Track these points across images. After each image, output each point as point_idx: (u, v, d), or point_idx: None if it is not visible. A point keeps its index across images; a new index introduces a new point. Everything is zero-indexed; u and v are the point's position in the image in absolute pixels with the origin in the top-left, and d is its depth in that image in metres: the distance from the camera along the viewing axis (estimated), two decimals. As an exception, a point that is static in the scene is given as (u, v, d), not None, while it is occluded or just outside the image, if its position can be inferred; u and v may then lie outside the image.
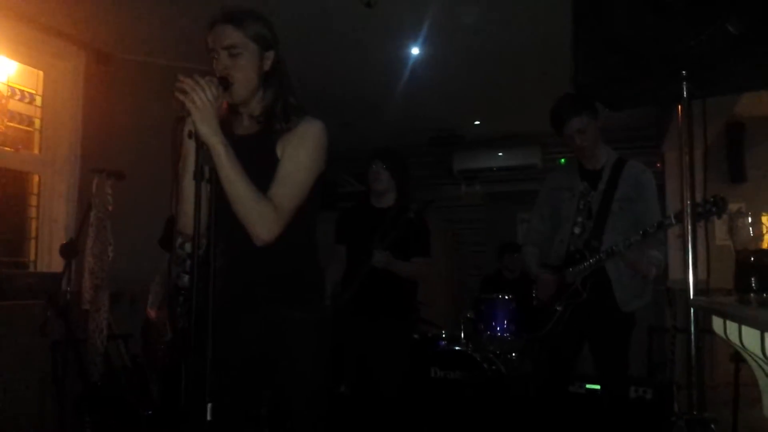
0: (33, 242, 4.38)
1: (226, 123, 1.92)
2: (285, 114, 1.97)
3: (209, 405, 1.59)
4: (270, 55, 1.96)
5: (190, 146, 1.74)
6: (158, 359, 3.54)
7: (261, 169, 1.90)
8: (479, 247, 7.54)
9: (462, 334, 4.86)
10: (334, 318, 3.50)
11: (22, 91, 4.31)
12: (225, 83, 1.83)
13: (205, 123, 1.70)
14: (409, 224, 3.44)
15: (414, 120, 6.37)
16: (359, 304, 3.46)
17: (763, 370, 1.49)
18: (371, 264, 3.38)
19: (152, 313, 3.56)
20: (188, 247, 3.39)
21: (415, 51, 4.63)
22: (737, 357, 3.73)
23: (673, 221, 2.75)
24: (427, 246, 3.61)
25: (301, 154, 1.94)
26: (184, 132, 1.73)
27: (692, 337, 2.13)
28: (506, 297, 4.90)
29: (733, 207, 2.63)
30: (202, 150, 1.70)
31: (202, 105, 1.70)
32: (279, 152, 1.94)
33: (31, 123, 4.37)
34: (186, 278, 3.45)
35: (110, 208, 3.82)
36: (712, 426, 2.17)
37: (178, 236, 3.44)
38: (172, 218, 3.54)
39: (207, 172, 1.69)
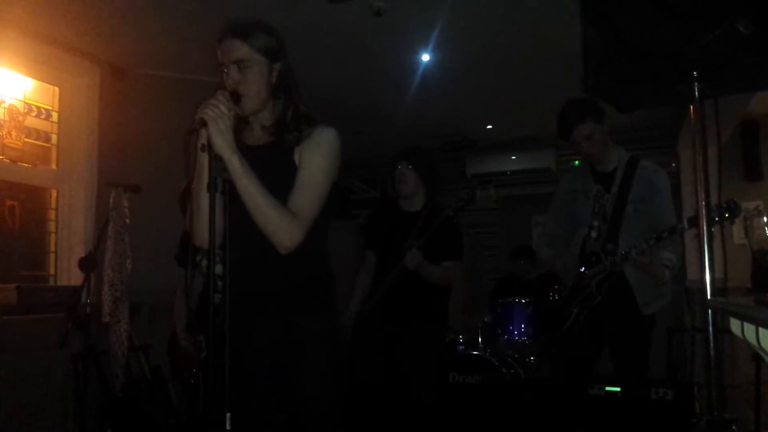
0: (52, 256, 4.44)
1: (237, 134, 1.93)
2: (296, 123, 1.98)
3: (228, 415, 1.60)
4: (278, 66, 1.97)
5: (204, 159, 1.76)
6: (191, 376, 3.53)
7: (280, 178, 1.91)
8: (494, 251, 7.53)
9: (479, 339, 4.85)
10: (361, 325, 3.48)
11: (38, 108, 4.38)
12: (236, 97, 1.85)
13: (219, 135, 1.73)
14: (445, 223, 3.35)
15: (426, 125, 6.38)
16: (388, 311, 3.38)
17: (782, 370, 1.48)
18: (403, 265, 3.27)
19: (183, 337, 3.56)
20: (217, 268, 3.41)
21: (425, 57, 4.64)
22: (758, 356, 3.70)
23: (686, 226, 2.73)
24: (460, 249, 3.51)
25: (317, 161, 1.95)
26: (197, 145, 1.76)
27: (711, 337, 2.11)
28: (523, 300, 4.89)
29: (749, 205, 2.62)
30: (216, 162, 1.72)
31: (217, 117, 1.73)
32: (296, 160, 1.96)
33: (48, 139, 4.44)
34: (218, 298, 3.45)
35: (127, 221, 3.87)
36: (734, 427, 2.16)
37: (197, 254, 3.48)
38: (186, 233, 3.58)
39: (221, 184, 1.71)
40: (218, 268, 3.50)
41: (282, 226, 1.84)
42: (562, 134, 3.09)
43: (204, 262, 3.51)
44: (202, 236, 1.84)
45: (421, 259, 3.27)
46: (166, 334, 3.73)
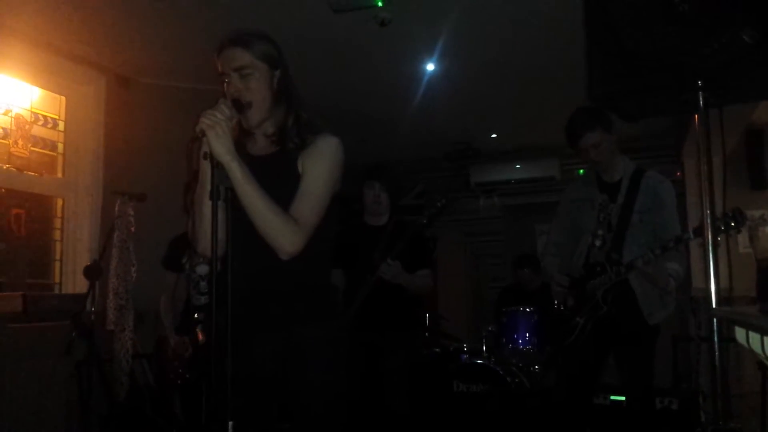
0: (58, 264, 4.45)
1: (240, 145, 1.93)
2: (298, 129, 2.00)
3: (230, 423, 1.60)
4: (278, 73, 1.99)
5: (206, 167, 1.77)
6: (177, 376, 3.57)
7: (284, 186, 1.91)
8: (498, 260, 7.52)
9: (484, 348, 4.84)
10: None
11: (45, 117, 4.40)
12: (238, 105, 1.86)
13: (218, 142, 1.72)
14: (416, 234, 3.43)
15: (430, 134, 6.39)
16: (365, 319, 3.42)
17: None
18: (378, 275, 3.34)
19: (173, 338, 3.60)
20: (200, 269, 3.46)
21: (430, 67, 4.66)
22: (764, 365, 3.68)
23: (692, 236, 2.73)
24: (431, 257, 3.66)
25: (319, 169, 1.95)
26: (199, 153, 1.76)
27: (716, 346, 2.11)
28: (528, 309, 4.87)
29: (754, 214, 2.62)
30: (218, 170, 1.72)
31: (215, 124, 1.72)
32: (299, 169, 1.96)
33: (54, 147, 4.46)
34: (202, 299, 3.50)
35: (132, 229, 3.88)
36: (739, 436, 2.15)
37: (190, 258, 3.54)
38: (177, 239, 3.65)
39: (223, 192, 1.71)
40: (203, 269, 3.56)
41: (283, 231, 1.84)
42: (570, 141, 3.10)
43: (189, 263, 3.56)
44: (204, 244, 1.85)
45: (399, 269, 3.35)
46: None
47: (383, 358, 3.43)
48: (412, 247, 3.43)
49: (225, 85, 1.94)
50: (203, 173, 1.82)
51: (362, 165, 3.57)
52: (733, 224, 2.58)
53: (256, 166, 1.85)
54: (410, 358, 3.60)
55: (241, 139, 1.98)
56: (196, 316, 3.49)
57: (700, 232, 2.65)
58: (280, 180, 1.93)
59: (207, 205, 1.73)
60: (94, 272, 3.62)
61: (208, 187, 1.72)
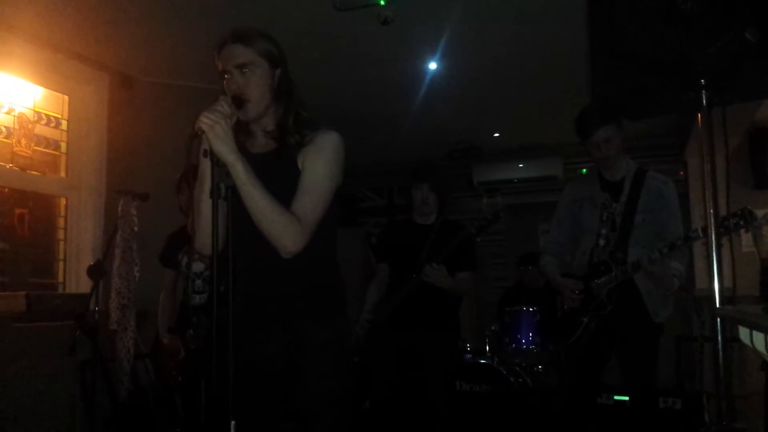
0: (61, 264, 4.45)
1: (240, 143, 1.93)
2: (297, 127, 1.98)
3: (233, 422, 1.60)
4: (278, 72, 1.98)
5: (206, 165, 1.75)
6: (172, 378, 3.57)
7: (284, 184, 1.90)
8: (501, 259, 7.50)
9: (487, 347, 4.84)
10: (372, 332, 3.58)
11: (48, 116, 4.40)
12: (239, 102, 1.85)
13: (220, 141, 1.71)
14: (464, 240, 3.48)
15: (433, 133, 6.38)
16: (403, 318, 3.49)
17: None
18: (421, 278, 3.40)
19: (166, 339, 3.60)
20: (196, 266, 3.47)
21: (432, 66, 4.65)
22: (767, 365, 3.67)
23: (700, 234, 2.72)
24: (475, 260, 3.65)
25: (319, 164, 1.94)
26: (199, 150, 1.74)
27: (719, 346, 2.11)
28: (530, 309, 4.87)
29: (758, 213, 2.61)
30: (218, 168, 1.70)
31: (214, 123, 1.70)
32: (300, 166, 1.95)
33: (57, 147, 4.46)
34: (197, 298, 3.49)
35: (136, 228, 3.89)
36: (743, 436, 2.14)
37: (186, 256, 3.54)
38: (174, 234, 3.66)
39: (223, 190, 1.69)
40: (198, 267, 3.58)
41: (286, 231, 1.83)
42: (581, 134, 3.10)
43: (185, 260, 3.56)
44: (204, 242, 1.84)
45: (441, 274, 3.38)
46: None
47: (423, 360, 3.47)
48: (457, 250, 3.47)
49: (225, 81, 1.93)
50: (203, 171, 1.81)
51: (364, 164, 3.57)
52: (742, 222, 2.58)
53: (255, 164, 1.84)
54: (451, 360, 3.70)
55: (240, 137, 1.97)
56: (193, 319, 3.48)
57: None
58: (280, 177, 1.92)
59: (206, 204, 1.72)
60: (97, 272, 3.63)
61: (208, 185, 1.71)
